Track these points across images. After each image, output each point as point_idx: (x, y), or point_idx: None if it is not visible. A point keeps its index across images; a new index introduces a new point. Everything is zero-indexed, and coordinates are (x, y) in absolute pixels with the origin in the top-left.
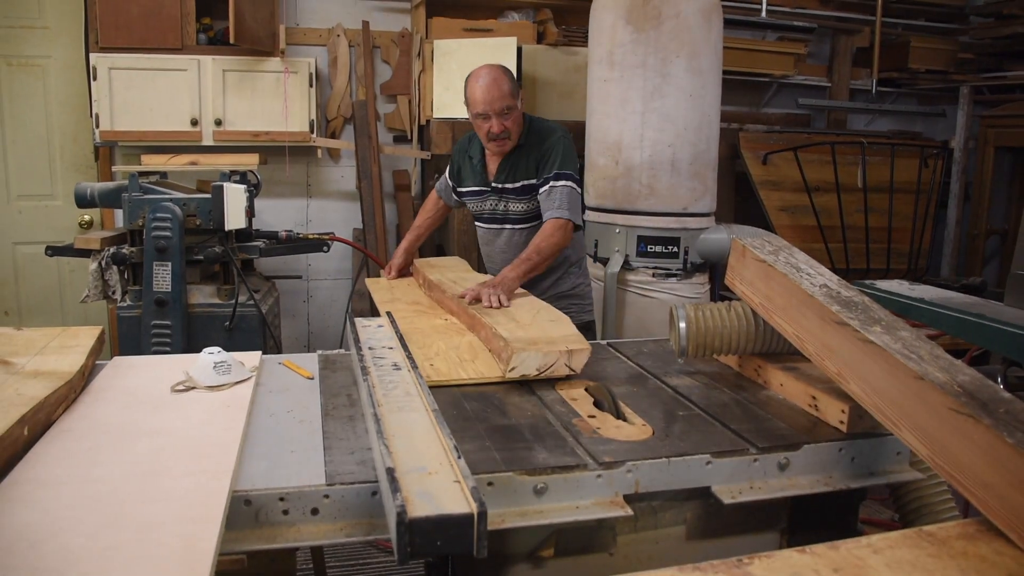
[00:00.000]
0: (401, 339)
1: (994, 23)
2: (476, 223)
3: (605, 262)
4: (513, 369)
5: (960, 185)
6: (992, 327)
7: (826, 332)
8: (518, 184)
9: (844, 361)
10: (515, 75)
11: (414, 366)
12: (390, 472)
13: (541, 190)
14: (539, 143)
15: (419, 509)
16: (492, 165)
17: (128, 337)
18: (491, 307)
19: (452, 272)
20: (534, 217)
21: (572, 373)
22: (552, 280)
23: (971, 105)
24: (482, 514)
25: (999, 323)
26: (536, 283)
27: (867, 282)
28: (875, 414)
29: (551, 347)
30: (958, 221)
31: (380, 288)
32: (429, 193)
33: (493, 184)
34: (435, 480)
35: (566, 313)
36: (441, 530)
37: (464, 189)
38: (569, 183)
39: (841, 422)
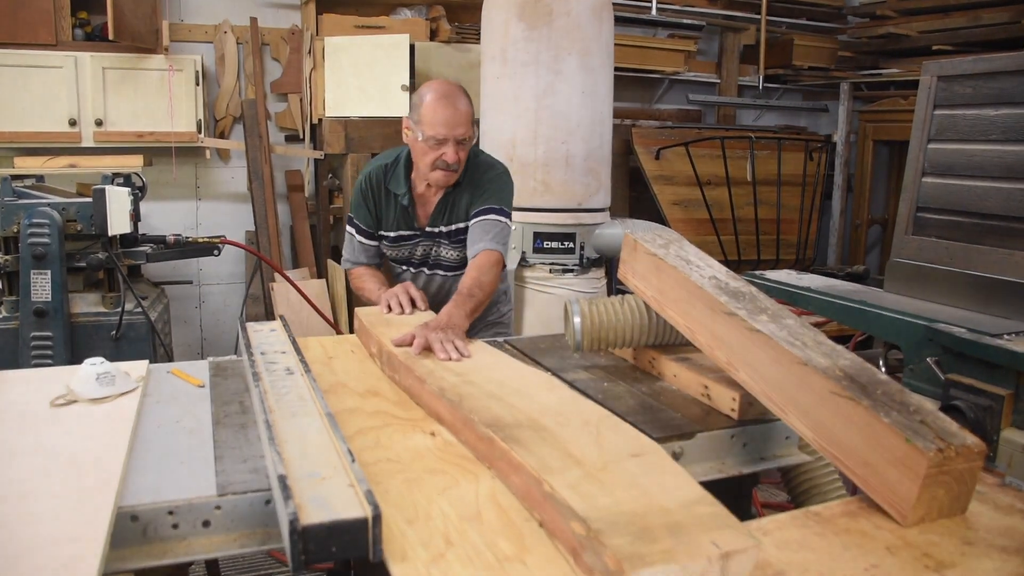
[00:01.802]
0: (294, 343)
1: (869, 23)
2: (397, 266)
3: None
4: None
5: (843, 177)
6: (873, 313)
7: (715, 322)
8: (452, 227)
9: (733, 350)
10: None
11: (307, 369)
12: (282, 479)
13: (474, 220)
14: (477, 178)
15: (312, 515)
16: (426, 206)
17: (4, 351)
18: (451, 361)
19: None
20: (465, 264)
21: None
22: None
23: (851, 101)
24: (376, 517)
25: (879, 309)
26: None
27: (757, 273)
28: (763, 400)
29: (686, 545)
30: (842, 212)
31: (312, 359)
32: (352, 276)
33: (427, 228)
34: (328, 485)
35: (494, 338)
36: (335, 536)
37: (385, 234)
38: (505, 220)
39: (732, 410)
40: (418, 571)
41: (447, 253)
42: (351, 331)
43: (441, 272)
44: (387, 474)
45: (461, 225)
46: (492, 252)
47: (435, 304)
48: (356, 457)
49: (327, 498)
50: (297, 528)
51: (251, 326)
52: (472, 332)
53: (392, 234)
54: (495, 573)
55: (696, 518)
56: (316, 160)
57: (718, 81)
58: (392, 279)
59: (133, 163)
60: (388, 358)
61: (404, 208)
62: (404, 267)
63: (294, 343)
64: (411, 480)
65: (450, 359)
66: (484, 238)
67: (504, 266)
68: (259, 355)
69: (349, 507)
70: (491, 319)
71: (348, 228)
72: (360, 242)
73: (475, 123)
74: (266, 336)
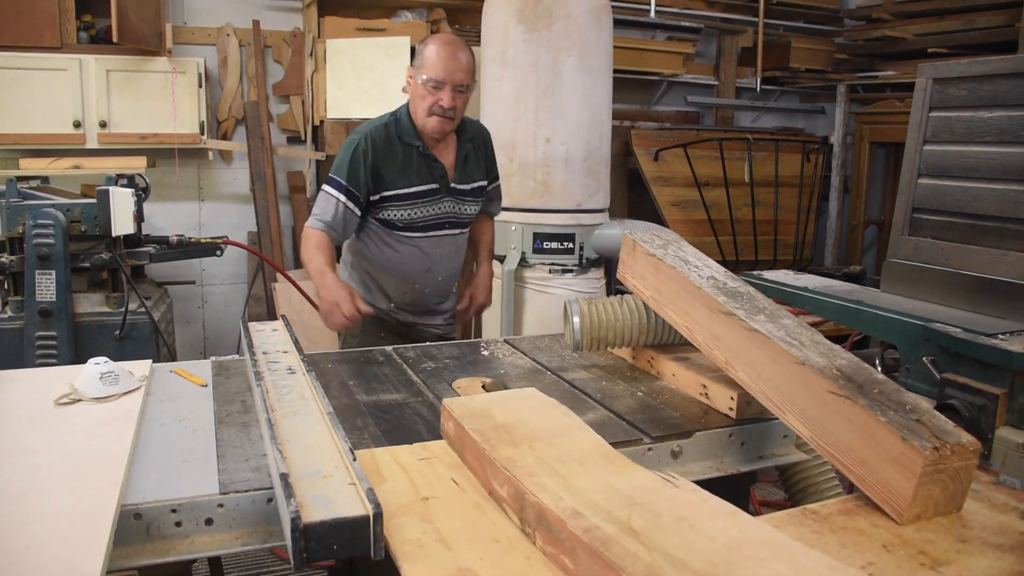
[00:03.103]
0: (296, 343)
1: (866, 26)
2: (401, 233)
3: (502, 260)
4: None
5: (840, 179)
6: (869, 313)
7: (713, 322)
8: (474, 185)
9: (731, 350)
10: None
11: (309, 369)
12: (284, 477)
13: (491, 188)
14: (483, 141)
15: (314, 514)
16: (444, 158)
17: (10, 350)
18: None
19: (581, 467)
20: (472, 219)
21: None
22: (452, 300)
23: (848, 103)
24: (377, 515)
25: (876, 309)
26: (448, 302)
27: (755, 273)
28: (761, 399)
29: None
30: (839, 213)
31: (402, 532)
32: (312, 235)
33: (452, 184)
34: (330, 484)
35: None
36: (337, 534)
37: (397, 192)
38: (499, 184)
39: (730, 409)
40: None
41: (469, 209)
42: None
43: (461, 230)
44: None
45: (481, 183)
46: (493, 220)
47: (451, 260)
48: None
49: (329, 496)
50: (299, 526)
51: (253, 326)
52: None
53: (408, 190)
54: None
55: None
56: (318, 161)
57: (716, 83)
58: (382, 251)
59: (137, 164)
60: (540, 519)
61: (425, 157)
62: (428, 233)
63: (296, 343)
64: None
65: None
66: (491, 204)
67: None
68: (261, 354)
69: (350, 505)
70: (450, 312)
71: (329, 190)
72: (345, 206)
73: (474, 75)
74: (268, 336)
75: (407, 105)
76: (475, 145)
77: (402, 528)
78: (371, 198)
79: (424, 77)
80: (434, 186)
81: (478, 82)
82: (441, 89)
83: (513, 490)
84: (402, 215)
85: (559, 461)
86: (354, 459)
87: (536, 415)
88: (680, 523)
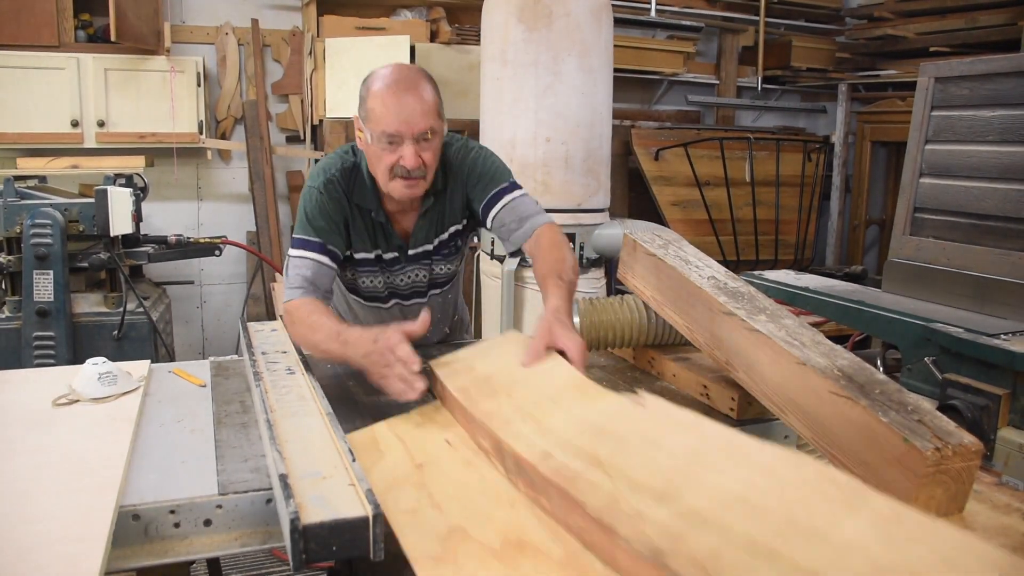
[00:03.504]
0: (295, 343)
1: (867, 24)
2: (366, 303)
3: (502, 260)
4: None
5: (841, 178)
6: (871, 313)
7: (714, 322)
8: (444, 237)
9: (732, 350)
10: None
11: (308, 369)
12: (283, 478)
13: (494, 211)
14: (460, 172)
15: (313, 515)
16: (404, 222)
17: (7, 351)
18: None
19: (554, 404)
20: (457, 273)
21: None
22: (451, 311)
23: (849, 102)
24: (377, 516)
25: (877, 309)
26: (444, 319)
27: (756, 273)
28: (762, 400)
29: None
30: (840, 212)
31: (390, 467)
32: (295, 309)
33: (410, 251)
34: (329, 484)
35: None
36: (336, 535)
37: (357, 256)
38: (524, 191)
39: (731, 409)
40: None
41: (442, 269)
42: None
43: (439, 289)
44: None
45: (455, 229)
46: (547, 226)
47: (439, 330)
48: None
49: (328, 497)
50: (298, 527)
51: (252, 326)
52: (439, 336)
53: (367, 255)
54: None
55: None
56: (317, 161)
57: (717, 82)
58: (349, 319)
59: (135, 164)
60: (517, 465)
61: (380, 226)
62: (388, 303)
63: (295, 343)
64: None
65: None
66: (528, 215)
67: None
68: (260, 355)
69: (350, 506)
70: (459, 316)
71: (299, 251)
72: (321, 264)
73: (440, 115)
74: (267, 336)
75: None
76: (443, 190)
77: (398, 500)
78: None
79: (373, 135)
80: (394, 255)
81: (445, 118)
82: (399, 145)
83: (493, 442)
84: (366, 283)
85: (534, 403)
86: (354, 460)
87: (515, 358)
88: (644, 444)
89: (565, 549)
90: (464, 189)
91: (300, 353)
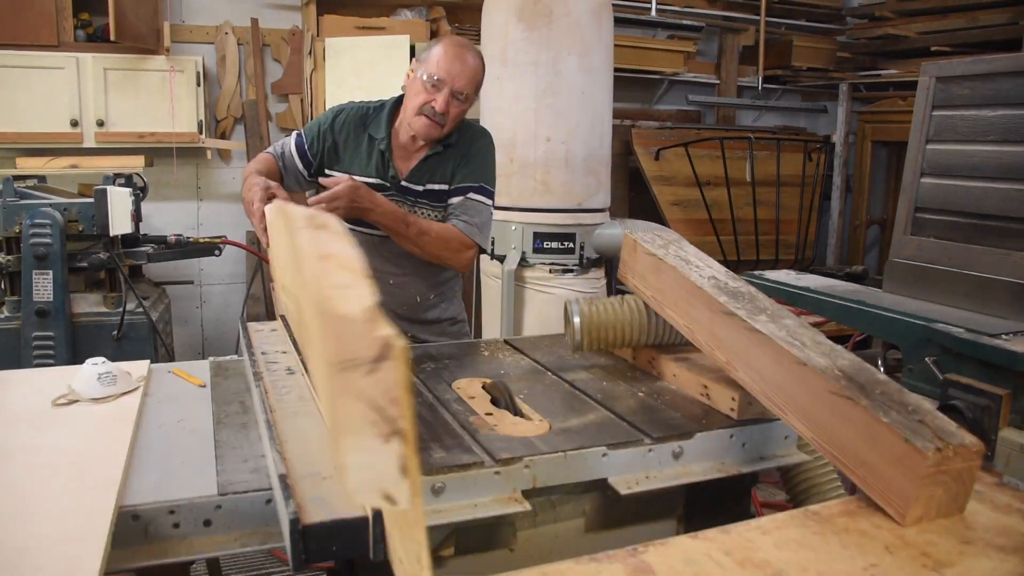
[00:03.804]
0: (295, 343)
1: (868, 24)
2: (351, 225)
3: (502, 259)
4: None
5: (842, 178)
6: (872, 313)
7: (715, 322)
8: (432, 187)
9: (732, 350)
10: None
11: (308, 370)
12: (283, 479)
13: (453, 200)
14: (467, 143)
15: (313, 515)
16: (407, 160)
17: (6, 351)
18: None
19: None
20: None
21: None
22: (442, 308)
23: (850, 102)
24: (377, 516)
25: (878, 309)
26: (424, 311)
27: (756, 273)
28: (763, 400)
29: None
30: (841, 212)
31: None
32: (258, 156)
33: (403, 182)
34: (329, 485)
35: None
36: (336, 534)
37: (355, 175)
38: (489, 201)
39: (732, 409)
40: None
41: (423, 214)
42: None
43: None
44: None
45: (442, 187)
46: (457, 231)
47: (399, 268)
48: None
49: (328, 497)
50: (298, 527)
51: (252, 326)
52: (429, 332)
53: (360, 178)
54: None
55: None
56: None
57: (717, 82)
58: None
59: (134, 163)
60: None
61: (381, 154)
62: (359, 227)
63: (295, 343)
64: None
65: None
66: (457, 215)
67: (473, 248)
68: (260, 355)
69: (349, 506)
70: (449, 316)
71: (291, 138)
72: (289, 151)
73: (478, 91)
74: (267, 336)
75: (399, 98)
76: (455, 149)
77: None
78: (319, 168)
79: (424, 74)
80: (383, 182)
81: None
82: (439, 90)
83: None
84: None
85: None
86: None
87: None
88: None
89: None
90: (457, 160)
91: (300, 353)
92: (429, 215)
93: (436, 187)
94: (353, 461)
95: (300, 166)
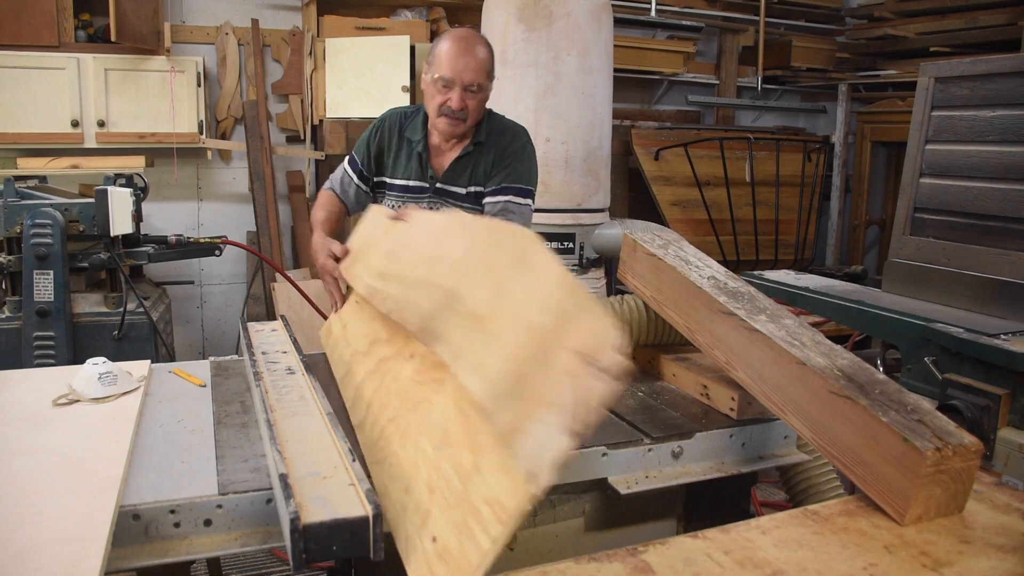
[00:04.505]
0: (295, 343)
1: (867, 24)
2: None
3: None
4: (534, 478)
5: (841, 178)
6: (871, 313)
7: (714, 322)
8: (469, 189)
9: (732, 350)
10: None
11: (308, 369)
12: (283, 478)
13: (491, 199)
14: (502, 143)
15: (313, 514)
16: (441, 159)
17: (7, 351)
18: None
19: (376, 253)
20: None
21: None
22: None
23: (849, 102)
24: (377, 516)
25: (877, 309)
26: None
27: (756, 273)
28: (762, 400)
29: (550, 379)
30: (840, 212)
31: (335, 341)
32: (320, 194)
33: (438, 185)
34: (329, 484)
35: None
36: (336, 534)
37: (391, 181)
38: (527, 202)
39: (731, 409)
40: (412, 540)
41: None
42: None
43: None
44: (388, 440)
45: (475, 188)
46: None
47: None
48: (367, 440)
49: (328, 497)
50: (298, 527)
51: (252, 326)
52: None
53: (400, 182)
54: (463, 507)
55: (560, 321)
56: (317, 161)
57: (717, 82)
58: None
59: (135, 164)
60: (365, 300)
61: (419, 155)
62: None
63: (295, 343)
64: (403, 431)
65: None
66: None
67: None
68: (260, 355)
69: (350, 506)
70: None
71: (344, 164)
72: (346, 173)
73: (492, 78)
74: (267, 336)
75: None
76: (487, 148)
77: (335, 349)
78: (374, 179)
79: (434, 75)
80: (423, 184)
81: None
82: (451, 88)
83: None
84: (392, 206)
85: (365, 256)
86: (354, 459)
87: (372, 228)
88: (405, 251)
89: (389, 329)
90: (495, 160)
91: (300, 353)
92: None
93: (474, 189)
94: (535, 429)
95: (364, 187)
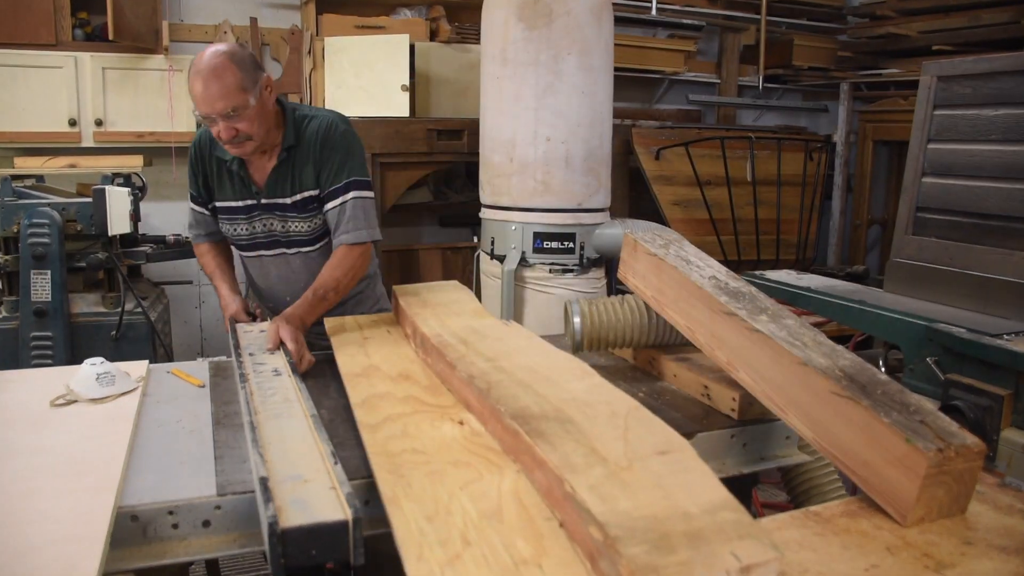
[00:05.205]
0: (283, 344)
1: (869, 23)
2: (244, 254)
3: (502, 259)
4: None
5: (843, 177)
6: (873, 313)
7: (715, 322)
8: (297, 197)
9: (733, 350)
10: (256, 60)
11: (294, 371)
12: (263, 481)
13: (329, 206)
14: (316, 141)
15: (292, 518)
16: (259, 172)
17: (4, 351)
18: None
19: (457, 317)
20: (320, 238)
21: None
22: (352, 303)
23: (851, 101)
24: (357, 520)
25: (879, 309)
26: (334, 311)
27: (757, 273)
28: (764, 400)
29: (705, 556)
30: (842, 212)
31: (346, 341)
32: (195, 249)
33: (264, 200)
34: (310, 488)
35: None
36: (315, 538)
37: (221, 204)
38: (361, 193)
39: (732, 410)
40: (432, 571)
41: (298, 226)
42: None
43: (302, 249)
44: (411, 465)
45: (310, 193)
46: (351, 247)
47: (296, 283)
48: (382, 447)
49: (308, 500)
50: (276, 531)
51: (241, 327)
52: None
53: (228, 204)
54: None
55: (718, 526)
56: None
57: (718, 81)
58: (246, 273)
59: (133, 163)
60: (422, 340)
61: (236, 174)
62: (255, 252)
63: (283, 344)
64: (435, 472)
65: (299, 360)
66: (341, 229)
67: (369, 247)
68: (247, 356)
69: (330, 510)
70: (365, 311)
71: (190, 202)
72: (192, 208)
73: (248, 90)
74: (255, 337)
75: None
76: (302, 150)
77: (346, 347)
78: (209, 204)
79: (197, 113)
80: (250, 201)
81: (259, 97)
82: (214, 123)
83: (412, 328)
84: (229, 230)
85: (445, 314)
86: (336, 462)
87: (444, 292)
88: (495, 341)
89: (432, 381)
90: (314, 163)
91: (288, 354)
92: (300, 227)
93: (302, 195)
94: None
95: (203, 211)
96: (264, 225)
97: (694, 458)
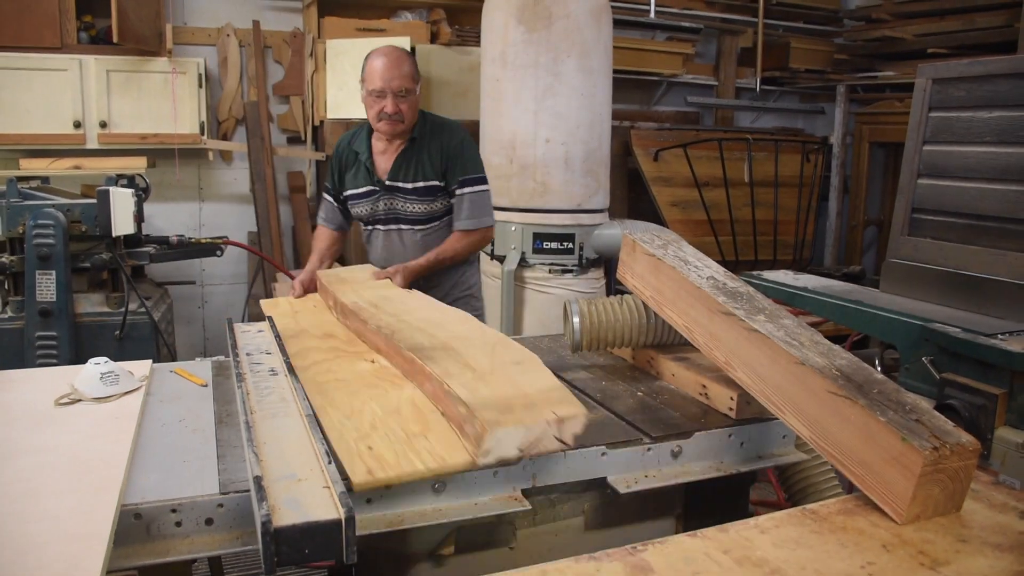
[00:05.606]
0: (280, 345)
1: (865, 26)
2: (365, 228)
3: (502, 260)
4: (487, 453)
5: (839, 179)
6: (869, 313)
7: (713, 322)
8: (417, 184)
9: (731, 350)
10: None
11: (291, 371)
12: (257, 480)
13: (459, 192)
14: (440, 142)
15: (285, 517)
16: (383, 162)
17: (9, 350)
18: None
19: (369, 289)
20: (435, 218)
21: (565, 448)
22: (455, 279)
23: (847, 103)
24: (350, 519)
25: (875, 309)
26: (440, 282)
27: (755, 273)
28: (761, 400)
29: (533, 414)
30: (838, 213)
31: (281, 313)
32: (316, 229)
33: (386, 182)
34: (304, 487)
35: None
36: (308, 537)
37: (351, 192)
38: (481, 187)
39: (730, 409)
40: (350, 446)
41: (411, 207)
42: None
43: (407, 227)
44: (334, 388)
45: (426, 183)
46: (464, 234)
47: (398, 256)
48: (312, 379)
49: (301, 500)
50: (269, 530)
51: (239, 326)
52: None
53: (356, 191)
54: (404, 444)
55: (546, 398)
56: (318, 161)
57: (716, 83)
58: (365, 243)
59: (137, 165)
60: (341, 308)
61: (364, 165)
62: (372, 226)
63: (280, 344)
64: (352, 392)
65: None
66: (461, 216)
67: (483, 234)
68: (244, 356)
69: (323, 509)
70: (465, 289)
71: (324, 193)
72: (325, 199)
73: (417, 81)
74: (253, 337)
75: None
76: (425, 144)
77: (280, 318)
78: (342, 195)
79: (369, 89)
80: (373, 187)
81: (421, 86)
82: (384, 97)
83: (333, 300)
84: (358, 211)
85: (359, 288)
86: (330, 462)
87: (359, 272)
88: (399, 303)
89: (350, 337)
90: (442, 157)
91: (284, 354)
92: (416, 208)
93: (421, 184)
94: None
95: (336, 204)
96: (385, 204)
97: (539, 365)
